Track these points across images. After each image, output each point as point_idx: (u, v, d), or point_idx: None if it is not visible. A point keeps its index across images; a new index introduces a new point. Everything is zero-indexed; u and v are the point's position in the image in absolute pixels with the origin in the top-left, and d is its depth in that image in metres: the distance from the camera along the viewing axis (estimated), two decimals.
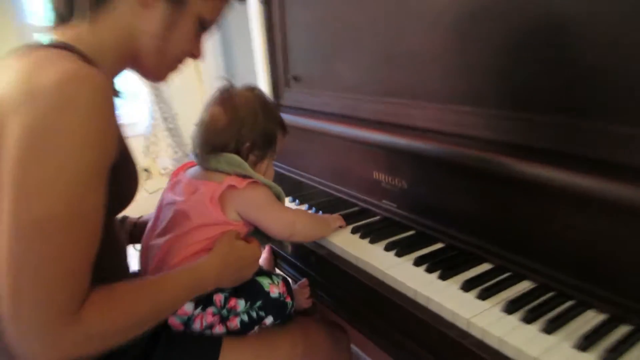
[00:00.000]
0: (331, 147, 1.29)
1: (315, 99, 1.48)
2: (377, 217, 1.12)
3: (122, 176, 0.70)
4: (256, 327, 0.90)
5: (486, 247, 0.88)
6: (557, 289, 0.77)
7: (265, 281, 0.91)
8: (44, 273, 0.56)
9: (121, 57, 0.74)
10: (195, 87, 3.43)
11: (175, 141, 3.24)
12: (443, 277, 0.83)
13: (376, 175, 1.14)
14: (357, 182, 1.22)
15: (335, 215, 1.06)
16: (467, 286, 0.79)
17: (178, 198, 0.93)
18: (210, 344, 0.84)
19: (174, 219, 0.90)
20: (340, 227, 1.05)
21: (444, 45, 0.96)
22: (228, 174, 0.90)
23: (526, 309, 0.72)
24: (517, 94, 0.84)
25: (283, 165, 1.54)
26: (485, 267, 0.87)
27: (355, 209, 1.18)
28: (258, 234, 0.98)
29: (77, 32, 0.69)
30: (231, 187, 0.87)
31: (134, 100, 3.27)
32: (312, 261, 1.04)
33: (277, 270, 1.24)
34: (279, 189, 0.95)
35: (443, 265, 0.86)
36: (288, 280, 0.97)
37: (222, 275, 0.82)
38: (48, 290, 0.57)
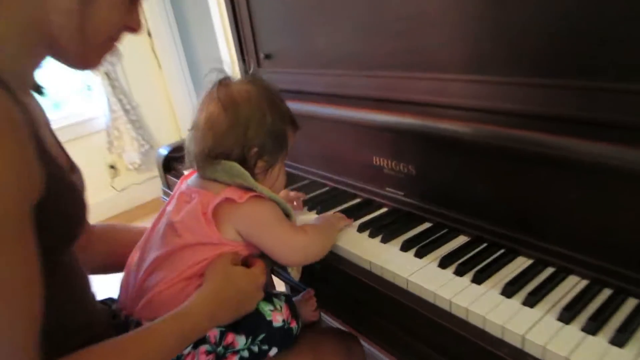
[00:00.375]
0: (321, 132, 1.14)
1: (292, 77, 1.32)
2: (384, 210, 0.98)
3: (58, 208, 0.54)
4: None
5: (521, 238, 0.76)
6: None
7: (266, 308, 0.77)
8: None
9: (31, 45, 0.57)
10: (154, 74, 3.19)
11: (139, 134, 3.02)
12: (478, 281, 0.70)
13: (377, 160, 0.99)
14: (356, 169, 1.07)
15: (338, 215, 0.92)
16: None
17: (170, 209, 0.77)
18: None
19: (163, 235, 0.75)
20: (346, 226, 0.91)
21: (446, 4, 0.81)
22: (227, 184, 0.74)
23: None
24: (541, 56, 0.71)
25: None
26: (522, 262, 0.74)
27: (358, 201, 1.04)
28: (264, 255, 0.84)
29: None
30: (229, 200, 0.72)
31: (87, 93, 3.01)
32: (317, 269, 0.90)
33: (276, 281, 1.10)
34: (287, 206, 0.79)
35: (475, 265, 0.73)
36: (291, 300, 0.83)
37: (217, 315, 0.68)
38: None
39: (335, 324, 1.02)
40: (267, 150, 0.76)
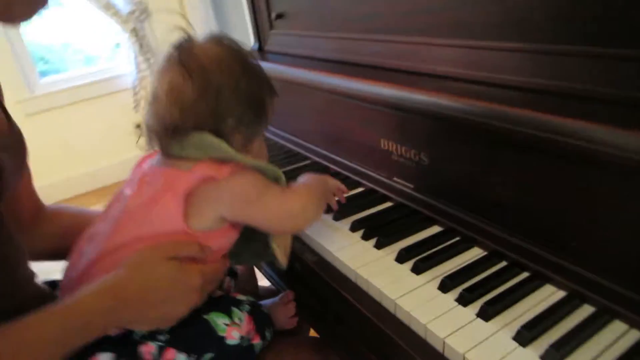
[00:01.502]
0: (325, 105, 0.97)
1: (303, 41, 1.15)
2: (388, 204, 0.81)
3: None
4: None
5: (555, 261, 0.58)
6: None
7: (220, 321, 0.63)
8: None
9: None
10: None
11: None
12: (485, 316, 0.53)
13: (384, 144, 0.82)
14: (360, 151, 0.90)
15: (328, 177, 0.77)
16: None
17: (128, 192, 0.64)
18: None
19: (117, 224, 0.62)
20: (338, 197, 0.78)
21: None
22: (198, 160, 0.60)
23: None
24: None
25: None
26: (552, 294, 0.57)
27: (359, 190, 0.87)
28: (244, 251, 0.71)
29: None
30: (206, 179, 0.59)
31: (115, 50, 2.93)
32: (297, 269, 0.75)
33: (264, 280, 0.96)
34: (276, 170, 0.65)
35: (486, 292, 0.57)
36: (259, 309, 0.69)
37: (119, 314, 0.54)
38: None
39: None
40: (245, 121, 0.62)
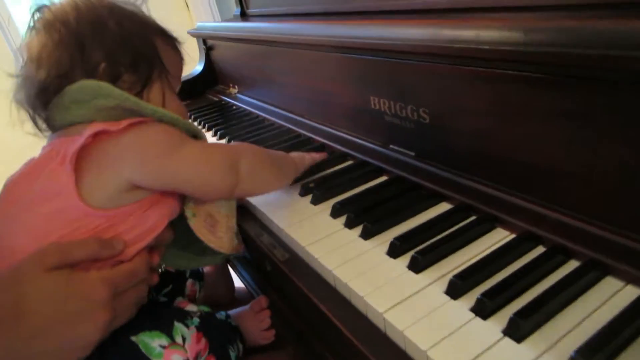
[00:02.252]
0: (306, 65, 0.79)
1: None
2: (383, 179, 0.63)
3: None
4: None
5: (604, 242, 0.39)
6: None
7: (154, 342, 0.47)
8: None
9: None
10: (182, 14, 2.92)
11: None
12: (516, 336, 0.35)
13: (375, 102, 0.64)
14: (348, 116, 0.72)
15: (299, 154, 0.64)
16: None
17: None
18: None
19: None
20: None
21: None
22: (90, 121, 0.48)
23: None
24: None
25: (243, 97, 1.06)
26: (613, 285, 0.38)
27: (348, 164, 0.69)
28: (185, 247, 0.56)
29: None
30: (99, 135, 0.46)
31: None
32: (267, 270, 0.58)
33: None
34: (191, 125, 0.53)
35: (532, 307, 0.38)
36: (213, 321, 0.53)
37: None
38: None
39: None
40: (124, 63, 0.51)
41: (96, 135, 0.46)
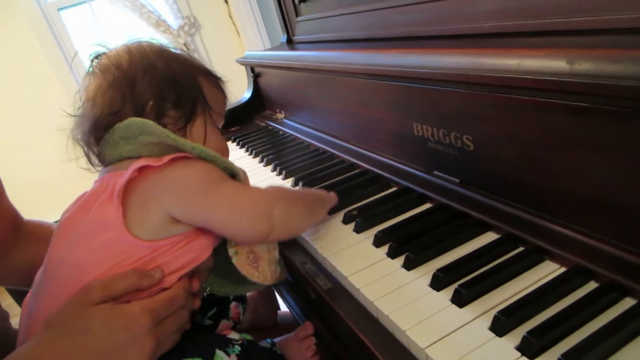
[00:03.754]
0: (351, 92, 0.80)
1: (330, 23, 0.99)
2: (427, 206, 0.62)
3: None
4: None
5: None
6: None
7: None
8: None
9: None
10: (233, 41, 3.03)
11: None
12: None
13: (418, 129, 0.64)
14: (391, 142, 0.72)
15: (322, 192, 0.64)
16: None
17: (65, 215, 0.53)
18: None
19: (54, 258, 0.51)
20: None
21: None
22: (139, 157, 0.52)
23: None
24: None
25: (289, 122, 1.08)
26: None
27: (391, 190, 0.69)
28: (228, 275, 0.59)
29: None
30: (143, 171, 0.49)
31: None
32: (313, 298, 0.59)
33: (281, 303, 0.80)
34: (230, 163, 0.55)
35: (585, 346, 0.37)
36: (255, 350, 0.54)
37: None
38: None
39: None
40: (170, 100, 0.55)
41: (141, 170, 0.49)
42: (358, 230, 0.60)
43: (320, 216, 0.62)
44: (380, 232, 0.57)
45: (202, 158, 0.52)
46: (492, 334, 0.39)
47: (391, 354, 0.42)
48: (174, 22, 2.73)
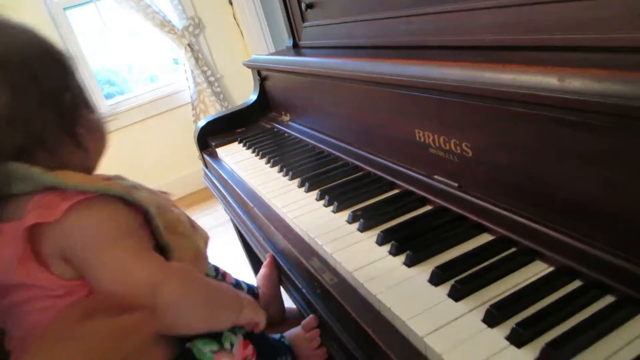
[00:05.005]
0: (355, 97, 0.84)
1: (335, 29, 1.03)
2: (426, 208, 0.66)
3: None
4: None
5: None
6: None
7: (206, 348, 0.52)
8: None
9: None
10: (237, 43, 3.06)
11: (224, 106, 2.94)
12: None
13: (420, 135, 0.67)
14: (394, 146, 0.76)
15: (253, 302, 0.59)
16: None
17: None
18: None
19: None
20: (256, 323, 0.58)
21: None
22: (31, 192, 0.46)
23: None
24: None
25: (294, 125, 1.12)
26: None
27: (393, 193, 0.73)
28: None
29: None
30: (35, 227, 0.44)
31: (174, 66, 2.99)
32: (318, 293, 0.63)
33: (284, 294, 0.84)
34: (137, 195, 0.50)
35: (565, 337, 0.41)
36: (260, 334, 0.58)
37: None
38: None
39: None
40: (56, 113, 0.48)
41: (31, 227, 0.44)
42: (362, 229, 0.64)
43: (228, 323, 0.54)
44: (382, 231, 0.61)
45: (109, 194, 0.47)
46: (484, 325, 0.43)
47: (392, 342, 0.46)
48: (178, 22, 2.76)
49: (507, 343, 0.40)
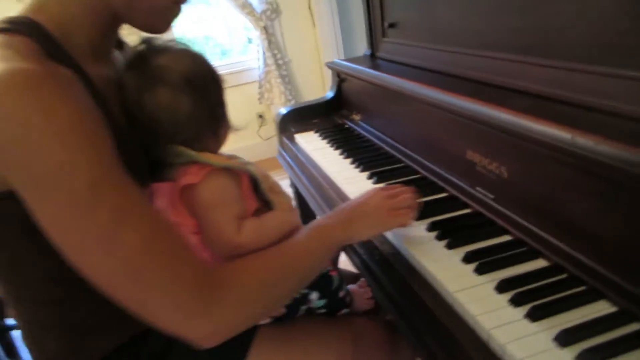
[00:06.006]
0: (421, 114, 1.06)
1: (412, 51, 1.24)
2: (466, 211, 0.88)
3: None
4: (303, 308, 0.79)
5: (612, 280, 0.62)
6: None
7: None
8: (155, 261, 0.53)
9: (99, 20, 0.63)
10: (308, 32, 3.29)
11: (287, 89, 3.18)
12: (533, 317, 0.60)
13: (470, 155, 0.89)
14: (447, 159, 0.98)
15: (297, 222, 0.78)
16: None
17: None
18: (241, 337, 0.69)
19: None
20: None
21: None
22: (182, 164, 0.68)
23: None
24: None
25: (364, 125, 1.34)
26: (603, 308, 0.61)
27: (442, 195, 0.95)
28: None
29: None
30: (186, 188, 0.66)
31: (247, 45, 3.25)
32: (376, 258, 0.86)
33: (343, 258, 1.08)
34: (250, 168, 0.72)
35: (539, 297, 0.63)
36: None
37: (354, 225, 0.73)
38: (172, 275, 0.54)
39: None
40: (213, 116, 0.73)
41: (184, 188, 0.66)
42: (415, 219, 0.86)
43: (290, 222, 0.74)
44: (433, 222, 0.83)
45: (224, 168, 0.68)
46: (495, 292, 0.65)
47: (421, 288, 0.69)
48: (257, 5, 2.99)
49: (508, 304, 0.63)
